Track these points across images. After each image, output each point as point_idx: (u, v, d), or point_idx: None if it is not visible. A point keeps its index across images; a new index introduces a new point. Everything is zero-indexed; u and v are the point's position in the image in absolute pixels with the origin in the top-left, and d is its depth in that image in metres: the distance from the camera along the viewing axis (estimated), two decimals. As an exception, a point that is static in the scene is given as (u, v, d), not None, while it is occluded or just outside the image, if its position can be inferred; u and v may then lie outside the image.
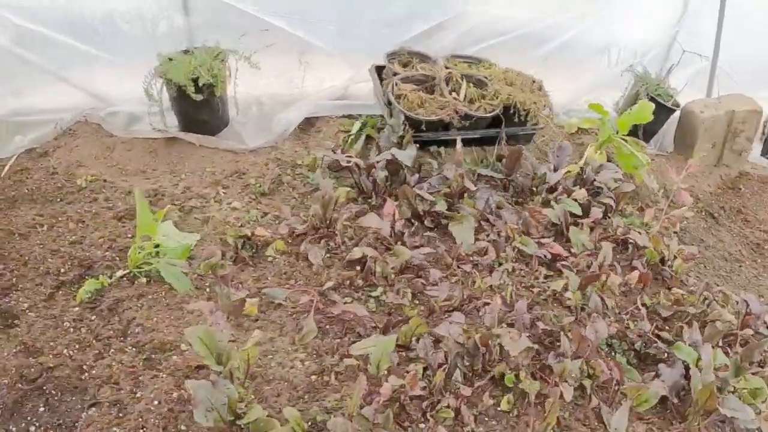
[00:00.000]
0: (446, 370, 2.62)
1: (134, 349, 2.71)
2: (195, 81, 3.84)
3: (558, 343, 2.90)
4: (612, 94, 5.34)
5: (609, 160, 4.52)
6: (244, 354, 2.37)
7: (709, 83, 5.48)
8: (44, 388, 2.49)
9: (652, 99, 4.96)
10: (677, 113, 5.30)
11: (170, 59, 3.92)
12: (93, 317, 2.83)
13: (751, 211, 5.12)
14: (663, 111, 5.11)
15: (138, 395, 2.49)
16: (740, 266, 4.50)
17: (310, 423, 2.43)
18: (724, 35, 5.42)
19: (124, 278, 3.05)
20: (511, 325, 2.94)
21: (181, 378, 2.56)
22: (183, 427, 2.39)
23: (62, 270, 3.04)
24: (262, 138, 4.18)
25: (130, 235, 3.30)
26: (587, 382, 2.85)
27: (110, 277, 3.01)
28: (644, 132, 5.00)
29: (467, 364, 2.73)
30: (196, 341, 2.21)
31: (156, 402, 2.46)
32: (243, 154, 4.07)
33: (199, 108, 3.99)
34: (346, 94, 4.55)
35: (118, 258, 3.16)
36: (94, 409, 2.43)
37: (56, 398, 2.46)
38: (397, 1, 4.50)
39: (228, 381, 2.26)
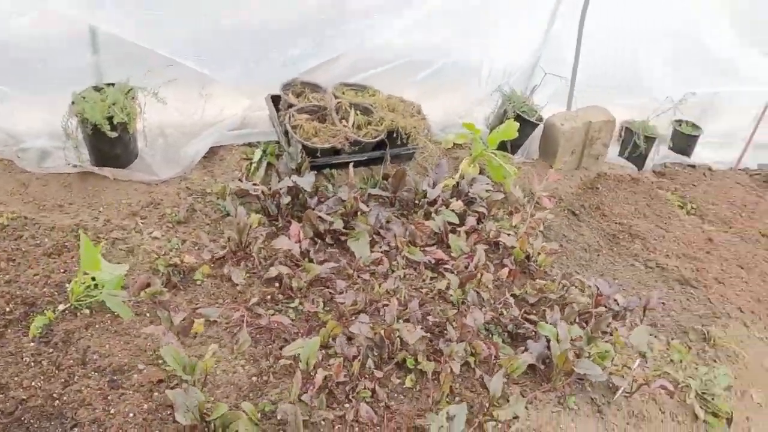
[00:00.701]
0: (360, 360, 3.66)
1: (96, 373, 3.37)
2: (110, 119, 4.52)
3: (446, 331, 4.04)
4: (484, 110, 6.61)
5: (481, 172, 5.75)
6: (203, 365, 3.29)
7: (569, 99, 6.87)
8: (23, 419, 3.07)
9: (518, 115, 6.24)
10: (542, 125, 6.62)
11: (83, 98, 4.54)
12: (50, 350, 3.43)
13: (607, 206, 6.46)
14: (528, 125, 6.42)
15: (112, 411, 3.21)
16: (598, 255, 5.77)
17: (260, 414, 3.37)
18: (590, 54, 6.80)
19: (66, 311, 3.68)
20: (407, 321, 4.04)
21: (147, 392, 3.35)
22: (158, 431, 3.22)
23: (7, 309, 3.60)
24: (172, 169, 5.02)
25: (62, 270, 3.96)
26: (471, 359, 3.99)
27: (54, 312, 3.63)
28: (512, 145, 6.26)
29: (376, 354, 3.79)
30: (170, 359, 3.13)
31: (131, 414, 3.23)
32: (155, 185, 4.89)
33: (113, 144, 4.69)
34: (245, 123, 5.49)
35: (56, 293, 3.78)
36: (76, 429, 3.07)
37: (36, 426, 3.06)
38: (294, 47, 5.42)
39: (196, 388, 3.17)
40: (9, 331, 3.52)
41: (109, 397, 3.28)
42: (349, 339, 3.87)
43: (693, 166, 7.95)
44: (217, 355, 3.70)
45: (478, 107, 6.52)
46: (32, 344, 3.46)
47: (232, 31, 5.17)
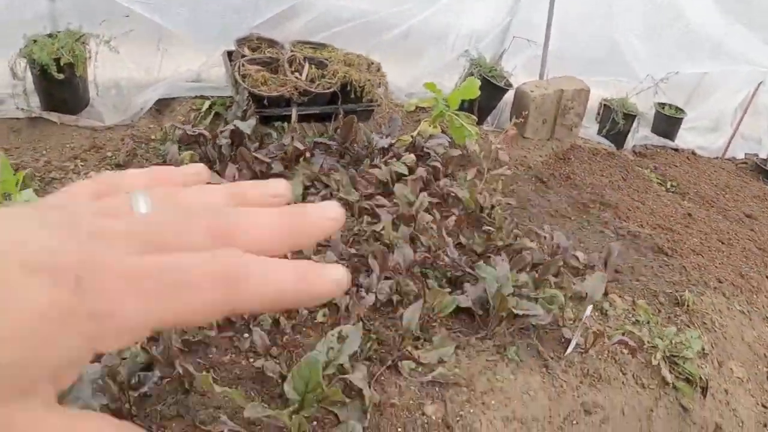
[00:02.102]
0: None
1: None
2: (57, 61, 4.23)
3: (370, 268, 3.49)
4: (452, 77, 6.07)
5: (444, 133, 5.21)
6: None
7: (542, 67, 6.30)
8: None
9: (485, 80, 5.70)
10: (512, 94, 6.08)
11: (35, 41, 4.30)
12: None
13: (579, 177, 5.88)
14: (497, 90, 5.89)
15: None
16: (565, 221, 5.18)
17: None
18: (563, 26, 6.24)
19: None
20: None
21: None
22: None
23: None
24: (120, 117, 4.65)
25: None
26: (396, 297, 3.44)
27: None
28: (479, 109, 5.73)
29: (284, 282, 3.26)
30: None
31: None
32: (101, 131, 4.52)
33: (61, 87, 4.39)
34: (200, 78, 5.07)
35: None
36: None
37: None
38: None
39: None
40: None
41: None
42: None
43: (676, 150, 7.30)
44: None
45: (446, 74, 5.99)
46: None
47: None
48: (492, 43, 6.12)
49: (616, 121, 6.60)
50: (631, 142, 6.92)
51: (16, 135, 4.41)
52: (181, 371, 2.55)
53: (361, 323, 3.05)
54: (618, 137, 6.75)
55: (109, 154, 4.32)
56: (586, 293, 3.84)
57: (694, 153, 7.33)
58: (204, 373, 2.75)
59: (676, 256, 5.05)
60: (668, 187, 6.43)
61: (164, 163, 4.25)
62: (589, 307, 3.76)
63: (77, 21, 4.55)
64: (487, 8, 6.01)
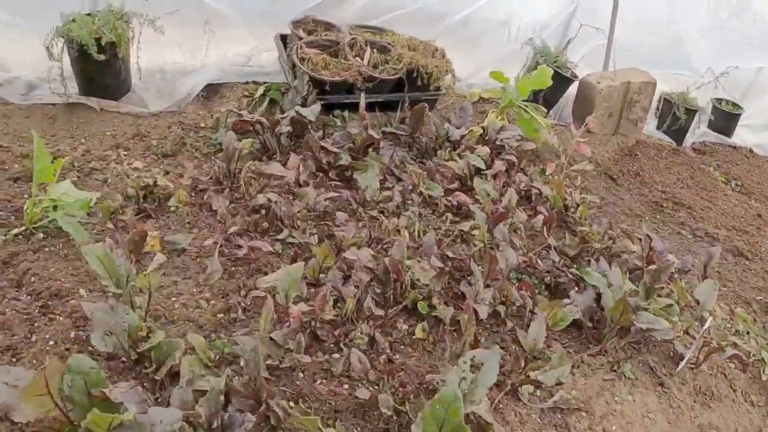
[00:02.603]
0: (357, 297, 2.57)
1: (30, 296, 2.53)
2: (98, 41, 3.71)
3: (469, 274, 2.91)
4: (513, 68, 5.47)
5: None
6: (145, 280, 2.25)
7: (606, 57, 5.72)
8: None
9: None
10: (575, 86, 5.50)
11: (73, 20, 3.77)
12: None
13: (648, 174, 5.33)
14: (562, 81, 5.31)
15: (33, 338, 2.32)
16: (640, 221, 4.65)
17: (218, 356, 2.34)
18: (624, 16, 5.68)
19: (20, 236, 2.85)
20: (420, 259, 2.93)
21: (80, 319, 2.40)
22: (78, 354, 2.24)
23: None
24: (165, 103, 4.07)
25: (26, 196, 3.09)
26: (501, 308, 2.87)
27: (5, 235, 2.82)
28: (544, 101, 5.14)
29: (378, 292, 2.69)
30: (93, 259, 2.10)
31: (52, 342, 2.30)
32: (145, 118, 3.94)
33: (101, 70, 3.86)
34: (251, 63, 4.50)
35: (13, 217, 2.96)
36: None
37: None
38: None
39: (128, 307, 2.14)
40: (-46, 251, 2.73)
41: (35, 323, 2.40)
42: (347, 277, 2.77)
43: (734, 147, 6.70)
44: (180, 287, 2.67)
45: (508, 64, 5.38)
46: (-31, 265, 2.66)
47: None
48: (555, 32, 5.54)
49: (677, 117, 6.02)
50: (690, 138, 6.34)
51: (52, 122, 3.83)
52: (275, 410, 1.96)
53: (496, 346, 2.43)
54: (678, 133, 6.18)
55: (155, 142, 3.74)
56: (698, 301, 3.31)
57: (751, 151, 6.74)
58: (292, 404, 2.18)
59: (757, 260, 4.55)
60: (733, 186, 5.87)
61: (219, 151, 3.69)
62: (710, 319, 3.23)
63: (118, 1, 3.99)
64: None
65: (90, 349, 2.24)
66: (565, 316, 2.82)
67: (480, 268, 2.85)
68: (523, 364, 2.49)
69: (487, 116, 4.66)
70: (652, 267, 3.55)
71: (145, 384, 2.13)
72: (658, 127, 6.22)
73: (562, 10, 5.54)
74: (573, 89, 5.54)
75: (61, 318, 2.43)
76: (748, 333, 3.63)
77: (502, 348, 2.73)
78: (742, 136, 6.78)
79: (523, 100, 4.60)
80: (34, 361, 2.23)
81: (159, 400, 2.09)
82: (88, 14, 3.92)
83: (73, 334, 2.35)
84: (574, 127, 4.42)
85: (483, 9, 5.15)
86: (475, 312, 2.59)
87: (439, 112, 4.72)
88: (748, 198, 5.75)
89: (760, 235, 4.98)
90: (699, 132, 6.41)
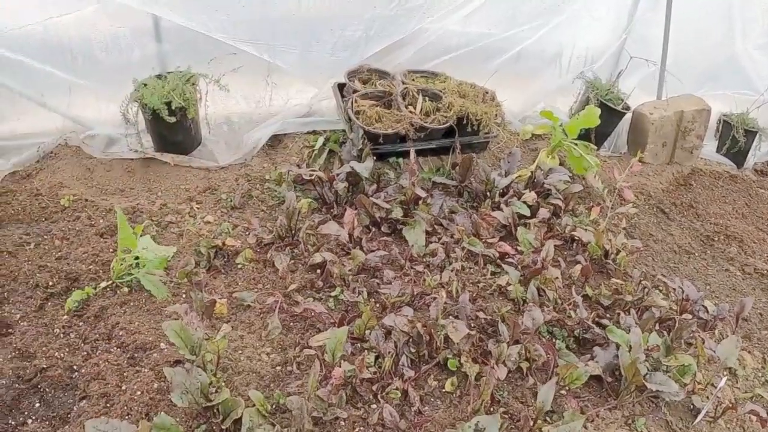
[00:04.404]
0: (393, 357, 3.06)
1: (119, 349, 3.11)
2: (168, 104, 4.24)
3: (499, 332, 3.36)
4: (565, 101, 5.81)
5: (562, 164, 5.00)
6: (215, 346, 2.81)
7: (659, 86, 5.95)
8: (39, 386, 2.87)
9: (602, 104, 5.43)
10: (629, 115, 5.78)
11: (144, 84, 4.33)
12: (81, 324, 3.22)
13: (702, 205, 5.56)
14: (614, 114, 5.60)
15: (123, 387, 2.89)
16: (689, 258, 4.89)
17: (274, 406, 2.87)
18: (677, 38, 5.88)
19: (108, 289, 3.43)
20: (456, 317, 3.39)
21: (161, 372, 2.96)
22: (162, 413, 2.82)
23: (50, 283, 3.41)
24: (233, 155, 4.63)
25: (111, 250, 3.68)
26: (525, 365, 3.29)
27: (95, 288, 3.40)
28: (597, 135, 5.45)
29: (413, 350, 3.17)
30: (172, 334, 2.65)
31: (139, 392, 2.87)
32: (215, 171, 4.52)
33: (173, 129, 4.39)
34: (311, 112, 5.00)
35: (101, 271, 3.55)
36: (84, 401, 2.82)
37: (50, 395, 2.85)
38: (352, 25, 4.85)
39: (201, 369, 2.70)
40: (49, 304, 3.35)
41: (125, 374, 2.99)
42: (388, 333, 3.26)
43: (796, 169, 6.81)
44: (245, 341, 3.22)
45: (560, 97, 5.74)
46: (65, 317, 3.27)
47: (289, 18, 4.71)
48: (606, 63, 5.81)
49: (736, 139, 6.19)
50: (752, 160, 6.50)
51: (131, 175, 4.45)
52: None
53: (498, 410, 2.90)
54: (738, 155, 6.36)
55: (224, 196, 4.31)
56: (719, 358, 3.60)
57: (819, 171, 6.83)
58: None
59: (808, 301, 4.70)
60: (795, 212, 6.01)
61: (282, 203, 4.23)
62: (723, 380, 3.54)
63: (184, 60, 4.57)
64: (601, 26, 5.70)
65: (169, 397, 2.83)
66: (580, 376, 3.19)
67: (507, 325, 3.29)
68: (533, 422, 2.91)
69: (538, 155, 5.03)
70: (685, 316, 3.90)
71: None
72: (718, 150, 6.41)
73: (613, 40, 5.79)
74: (628, 116, 5.81)
75: (146, 370, 2.99)
76: (781, 383, 3.86)
77: (521, 403, 3.17)
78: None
79: (575, 137, 4.93)
80: (125, 407, 2.79)
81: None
82: (158, 76, 4.46)
83: (156, 386, 2.90)
84: (628, 157, 4.70)
85: (534, 44, 5.45)
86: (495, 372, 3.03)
87: (492, 152, 5.13)
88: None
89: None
90: (761, 153, 6.54)
